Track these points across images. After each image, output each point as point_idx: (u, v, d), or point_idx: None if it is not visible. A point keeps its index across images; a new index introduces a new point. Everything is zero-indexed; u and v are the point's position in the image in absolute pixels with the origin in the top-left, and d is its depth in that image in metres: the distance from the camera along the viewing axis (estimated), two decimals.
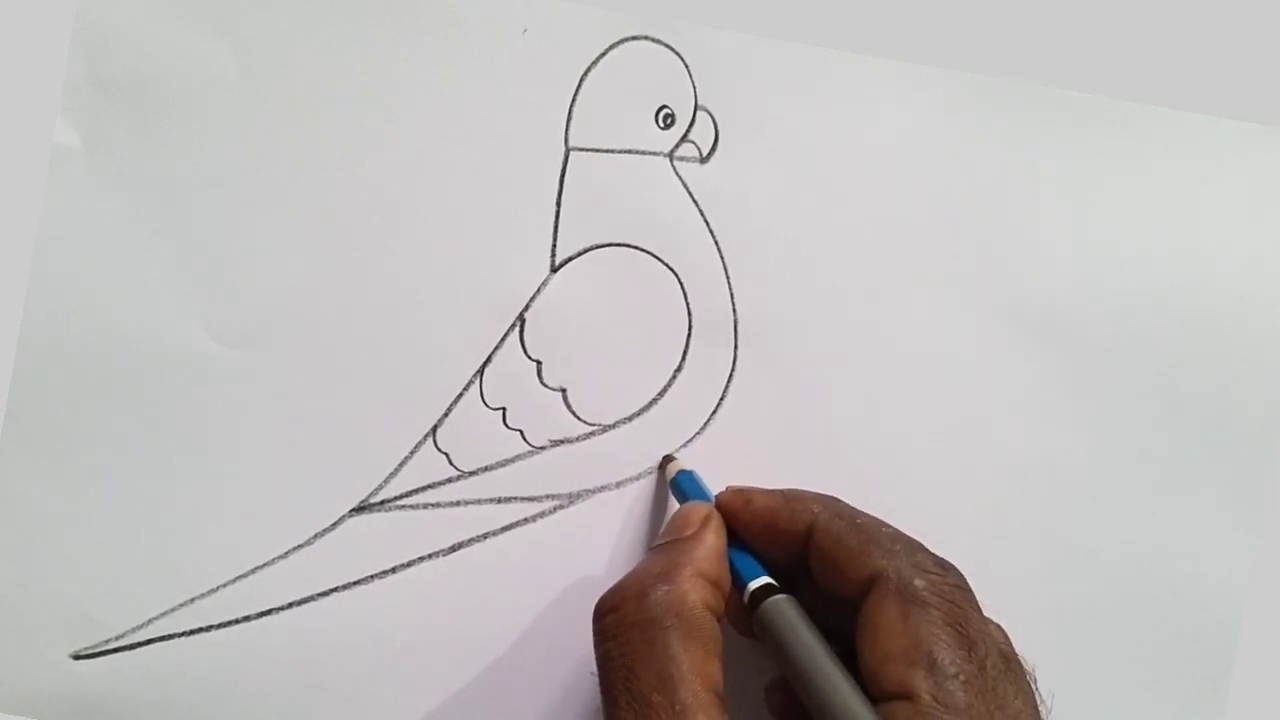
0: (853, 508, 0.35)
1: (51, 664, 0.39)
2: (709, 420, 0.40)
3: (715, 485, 0.39)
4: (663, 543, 0.35)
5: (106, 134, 0.39)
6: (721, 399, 0.40)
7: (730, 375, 0.40)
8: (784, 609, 0.33)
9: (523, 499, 0.40)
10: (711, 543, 0.35)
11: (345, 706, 0.39)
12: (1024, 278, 0.41)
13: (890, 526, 0.34)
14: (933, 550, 0.34)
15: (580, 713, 0.39)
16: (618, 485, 0.40)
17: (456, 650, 0.39)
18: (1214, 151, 0.41)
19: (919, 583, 0.32)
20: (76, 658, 0.39)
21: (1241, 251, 0.41)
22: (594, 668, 0.33)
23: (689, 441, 0.40)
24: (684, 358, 0.40)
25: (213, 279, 0.40)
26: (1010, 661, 0.31)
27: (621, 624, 0.32)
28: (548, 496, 0.40)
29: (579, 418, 0.40)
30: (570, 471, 0.40)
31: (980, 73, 0.41)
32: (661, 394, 0.40)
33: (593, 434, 0.40)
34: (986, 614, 0.33)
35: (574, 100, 0.40)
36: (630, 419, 0.40)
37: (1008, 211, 0.41)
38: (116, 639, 0.39)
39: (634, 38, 0.40)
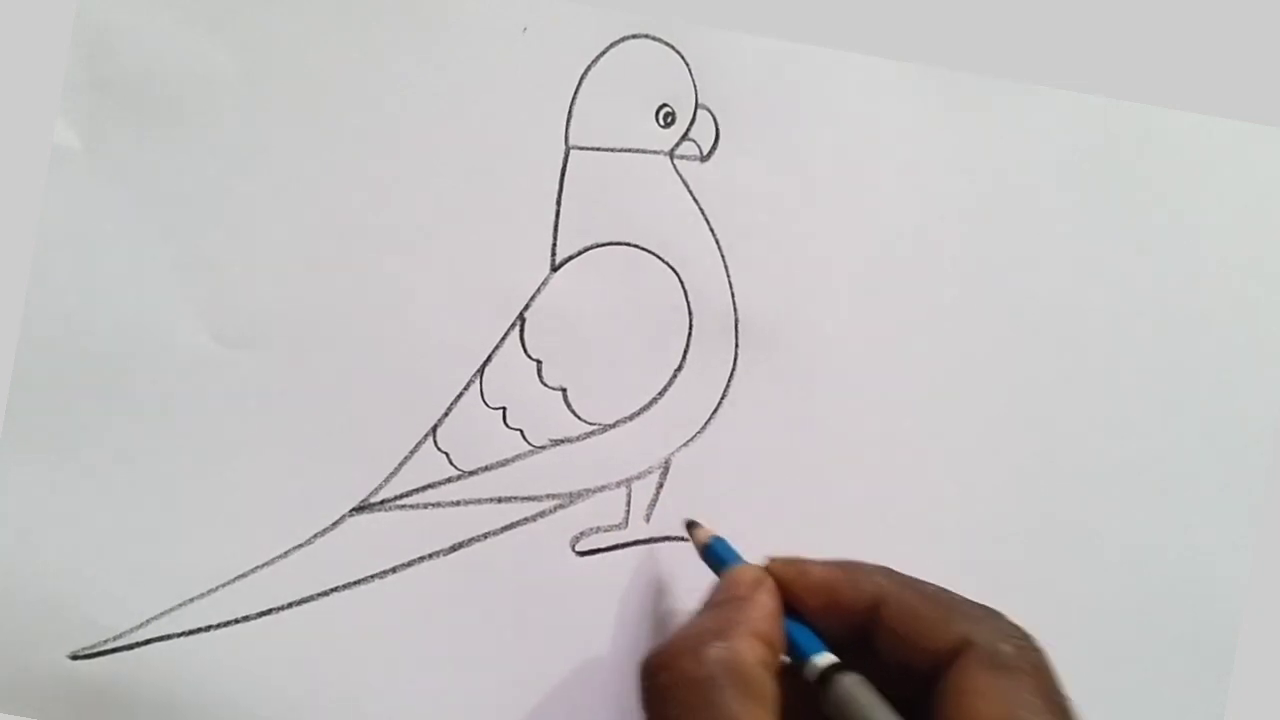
0: (915, 578, 0.34)
1: (50, 664, 0.39)
2: (710, 419, 0.40)
3: (716, 487, 0.40)
4: (716, 601, 0.34)
5: (106, 134, 0.39)
6: (722, 398, 0.40)
7: (731, 374, 0.40)
8: (861, 690, 0.32)
9: (523, 498, 0.40)
10: (766, 603, 0.34)
11: (345, 706, 0.39)
12: (1024, 277, 0.41)
13: (960, 594, 0.33)
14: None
15: (581, 711, 0.39)
16: (618, 485, 0.40)
17: (457, 650, 0.39)
18: (1214, 151, 0.41)
19: (1006, 649, 0.31)
20: (75, 658, 0.39)
21: (1241, 251, 0.41)
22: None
23: (690, 441, 0.40)
24: (685, 357, 0.40)
25: (213, 279, 0.40)
26: None
27: (676, 682, 0.31)
28: (548, 496, 0.40)
29: (579, 417, 0.40)
30: (571, 471, 0.40)
31: (980, 73, 0.41)
32: (662, 393, 0.40)
33: (593, 433, 0.40)
34: None
35: (574, 99, 0.40)
36: (631, 418, 0.40)
37: (1008, 211, 0.41)
38: (115, 639, 0.39)
39: (634, 36, 0.40)
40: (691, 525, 0.39)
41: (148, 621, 0.39)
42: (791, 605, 0.34)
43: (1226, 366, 0.41)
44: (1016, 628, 0.32)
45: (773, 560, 0.35)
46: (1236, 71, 0.41)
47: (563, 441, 0.40)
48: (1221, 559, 0.41)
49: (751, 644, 0.32)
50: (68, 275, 0.39)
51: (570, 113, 0.40)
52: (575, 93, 0.40)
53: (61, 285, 0.39)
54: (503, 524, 0.40)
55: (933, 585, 0.34)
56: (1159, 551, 0.41)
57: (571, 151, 0.40)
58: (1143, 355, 0.41)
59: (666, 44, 0.40)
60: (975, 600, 0.33)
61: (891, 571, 0.34)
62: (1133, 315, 0.41)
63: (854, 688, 0.32)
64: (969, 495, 0.40)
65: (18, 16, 0.40)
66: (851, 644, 0.34)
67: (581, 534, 0.40)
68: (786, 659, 0.34)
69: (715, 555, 0.37)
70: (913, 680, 0.32)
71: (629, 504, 0.40)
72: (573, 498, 0.40)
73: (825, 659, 0.33)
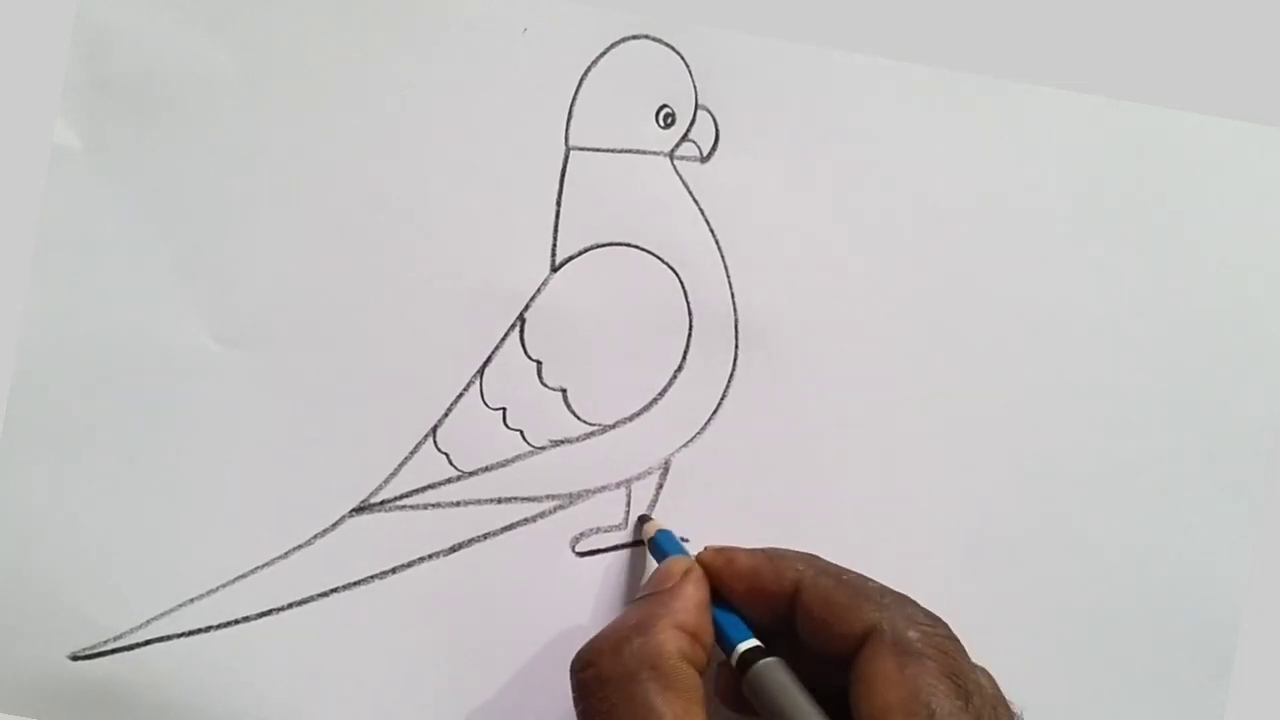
0: (836, 565, 0.35)
1: (50, 664, 0.39)
2: (710, 420, 0.40)
3: (716, 487, 0.40)
4: (641, 596, 0.36)
5: (107, 134, 0.39)
6: (722, 399, 0.40)
7: (731, 375, 0.40)
8: (775, 672, 0.33)
9: (523, 499, 0.40)
10: (690, 594, 0.35)
11: (345, 707, 0.39)
12: (1023, 277, 0.41)
13: (875, 581, 0.34)
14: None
15: None
16: (618, 485, 0.40)
17: (456, 651, 0.39)
18: (1214, 151, 0.41)
19: (913, 634, 0.32)
20: (75, 658, 0.39)
21: (1241, 252, 0.41)
22: None
23: (690, 441, 0.40)
24: (684, 357, 0.40)
25: (213, 278, 0.40)
26: (999, 710, 0.32)
27: (598, 678, 0.32)
28: (548, 497, 0.40)
29: (579, 418, 0.40)
30: (570, 471, 0.40)
31: (980, 73, 0.41)
32: (662, 394, 0.40)
33: (593, 434, 0.40)
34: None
35: (574, 100, 0.40)
36: (631, 419, 0.40)
37: (1008, 211, 0.41)
38: (115, 640, 0.39)
39: (634, 37, 0.40)
40: (643, 519, 0.40)
41: (148, 622, 0.39)
42: (721, 594, 0.36)
43: (1226, 367, 0.41)
44: (925, 613, 0.33)
45: (703, 551, 0.37)
46: (1236, 71, 0.41)
47: (563, 442, 0.40)
48: (1221, 560, 0.41)
49: (672, 635, 0.33)
50: (68, 275, 0.39)
51: (570, 113, 0.40)
52: (575, 93, 0.40)
53: (62, 285, 0.39)
54: (503, 524, 0.40)
55: (851, 573, 0.35)
56: (1159, 552, 0.41)
57: (571, 152, 0.40)
58: (1142, 355, 0.41)
59: (666, 45, 0.40)
60: (888, 586, 0.34)
61: (814, 559, 0.35)
62: (1133, 315, 0.41)
63: (768, 670, 0.33)
64: (968, 495, 0.40)
65: (18, 16, 0.40)
66: (781, 632, 0.35)
67: (581, 534, 0.40)
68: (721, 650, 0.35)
69: (659, 548, 0.38)
70: (834, 666, 0.33)
71: (629, 504, 0.40)
72: (573, 498, 0.40)
73: (746, 644, 0.34)
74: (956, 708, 0.30)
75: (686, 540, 0.39)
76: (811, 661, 0.34)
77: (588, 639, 0.35)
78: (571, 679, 0.33)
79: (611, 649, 0.33)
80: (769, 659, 0.33)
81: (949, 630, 0.33)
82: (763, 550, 0.36)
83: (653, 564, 0.39)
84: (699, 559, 0.36)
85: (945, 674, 0.31)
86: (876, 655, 0.32)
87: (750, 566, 0.36)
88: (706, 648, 0.34)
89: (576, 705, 0.33)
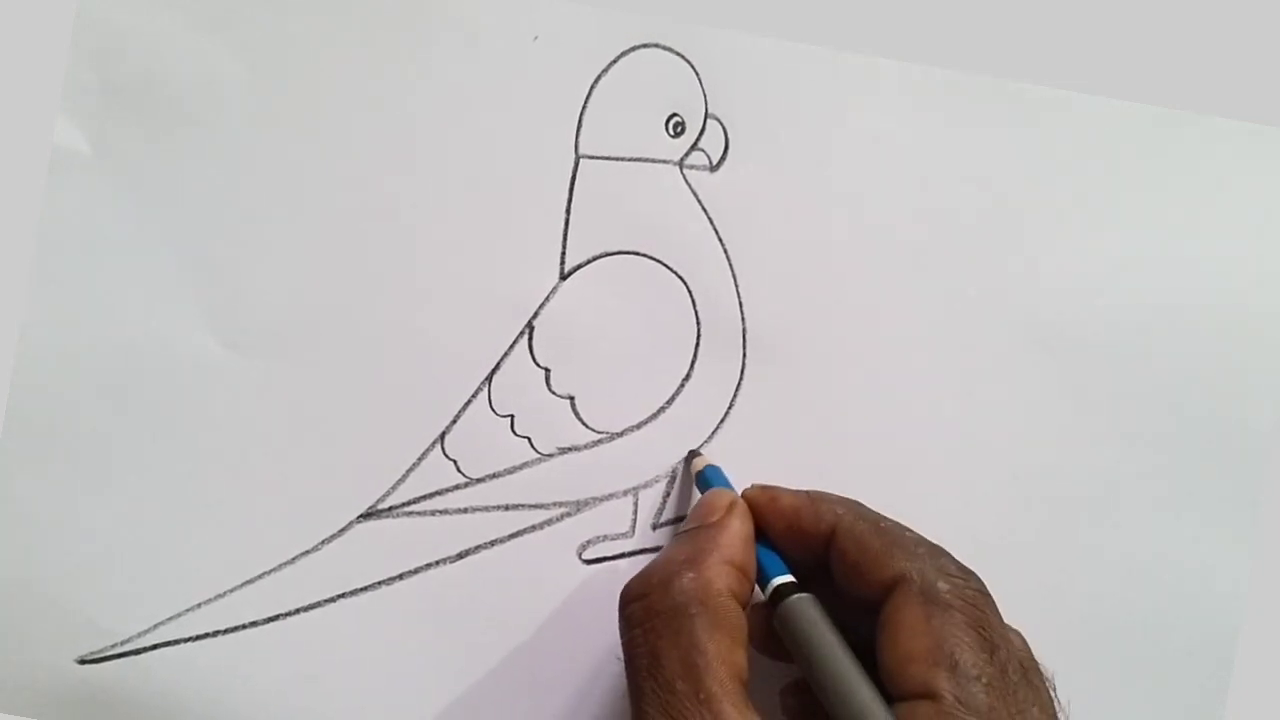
0: (876, 512, 0.35)
1: (57, 669, 0.39)
2: (717, 428, 0.40)
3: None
4: (688, 529, 0.36)
5: (112, 138, 0.39)
6: (729, 408, 0.40)
7: (738, 384, 0.40)
8: (806, 607, 0.33)
9: (530, 506, 0.40)
10: (737, 529, 0.35)
11: (351, 713, 0.39)
12: (1031, 285, 0.41)
13: (913, 531, 0.34)
14: None
15: (586, 718, 0.40)
16: (625, 493, 0.40)
17: (463, 657, 0.39)
18: (1215, 152, 0.41)
19: (942, 585, 0.32)
20: (82, 662, 0.39)
21: (1242, 255, 0.41)
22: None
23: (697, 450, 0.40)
24: (692, 366, 0.40)
25: (219, 284, 0.39)
26: (1029, 670, 0.32)
27: (648, 611, 0.32)
28: (555, 504, 0.40)
29: (587, 425, 0.40)
30: (578, 479, 0.40)
31: (986, 74, 0.40)
32: (669, 402, 0.40)
33: (600, 442, 0.40)
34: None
35: (584, 108, 0.40)
36: (638, 427, 0.40)
37: (1015, 218, 0.41)
38: (122, 644, 0.39)
39: (645, 45, 0.40)
40: (692, 454, 0.40)
41: (155, 627, 0.39)
42: (761, 531, 0.36)
43: (1229, 375, 0.41)
44: (958, 565, 0.33)
45: (748, 489, 0.37)
46: (1237, 71, 0.41)
47: (570, 449, 0.40)
48: (1222, 572, 0.41)
49: (721, 571, 0.33)
50: (71, 279, 0.39)
51: (580, 121, 0.40)
52: (585, 101, 0.40)
53: (66, 289, 0.39)
54: (510, 531, 0.40)
55: (890, 520, 0.35)
56: (1161, 564, 0.41)
57: (581, 160, 0.40)
58: (1145, 364, 0.41)
59: (677, 53, 0.40)
60: (924, 537, 0.34)
61: (855, 504, 0.36)
62: (1135, 323, 0.41)
63: (800, 605, 0.33)
64: (973, 505, 0.41)
65: (18, 17, 0.40)
66: (816, 576, 0.35)
67: (588, 542, 0.40)
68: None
69: (705, 482, 0.38)
70: (864, 612, 0.33)
71: (636, 512, 0.40)
72: (580, 506, 0.40)
73: (780, 579, 0.34)
74: (981, 660, 0.30)
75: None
76: (843, 607, 0.34)
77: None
78: (620, 611, 0.33)
79: (662, 583, 0.33)
80: (802, 594, 0.34)
81: (981, 584, 0.33)
82: (805, 491, 0.36)
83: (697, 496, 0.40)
84: (744, 495, 0.37)
85: (972, 626, 0.31)
86: (904, 604, 0.32)
87: (792, 505, 0.36)
88: (751, 583, 0.34)
89: (623, 636, 0.33)
